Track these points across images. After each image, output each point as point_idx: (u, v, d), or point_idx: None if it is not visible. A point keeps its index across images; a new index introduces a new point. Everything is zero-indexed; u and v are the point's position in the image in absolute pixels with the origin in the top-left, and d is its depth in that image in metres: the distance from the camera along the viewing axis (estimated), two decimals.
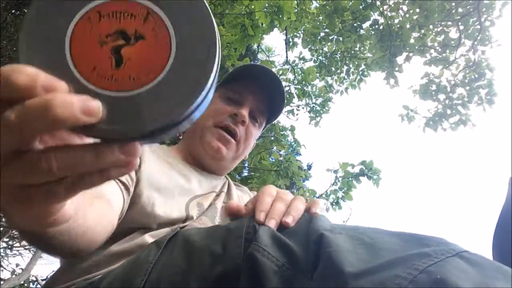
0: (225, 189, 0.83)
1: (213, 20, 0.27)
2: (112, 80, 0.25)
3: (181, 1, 0.27)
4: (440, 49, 4.87)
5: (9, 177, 0.24)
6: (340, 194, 4.31)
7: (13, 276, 3.80)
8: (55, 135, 0.25)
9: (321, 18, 4.54)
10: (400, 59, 4.36)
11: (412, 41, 4.43)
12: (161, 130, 0.25)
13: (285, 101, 0.85)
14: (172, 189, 0.69)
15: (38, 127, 0.22)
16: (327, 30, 4.48)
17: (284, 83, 5.02)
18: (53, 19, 0.26)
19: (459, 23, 4.57)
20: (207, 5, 0.27)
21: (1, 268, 4.03)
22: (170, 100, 0.25)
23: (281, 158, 3.92)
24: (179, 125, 0.26)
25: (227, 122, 0.79)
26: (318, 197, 4.36)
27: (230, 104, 0.81)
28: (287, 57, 5.19)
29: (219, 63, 0.27)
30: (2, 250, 4.10)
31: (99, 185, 0.26)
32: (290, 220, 0.46)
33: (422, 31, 4.49)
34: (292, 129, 4.42)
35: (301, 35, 4.91)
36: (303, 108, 5.21)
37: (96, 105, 0.23)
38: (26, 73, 0.22)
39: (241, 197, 0.88)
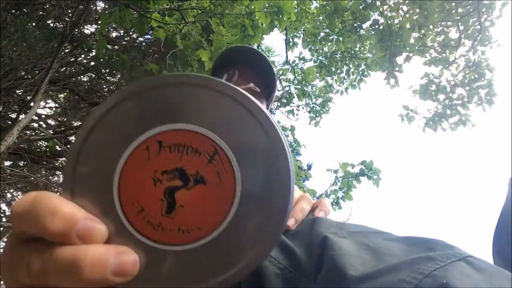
0: None
1: (292, 172, 0.22)
2: (158, 228, 0.21)
3: (259, 141, 0.22)
4: (440, 49, 4.86)
5: None
6: (340, 194, 4.30)
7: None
8: None
9: (321, 18, 4.54)
10: (400, 59, 4.35)
11: (412, 41, 4.43)
12: None
13: (274, 70, 0.80)
14: None
15: (61, 283, 0.19)
16: (327, 30, 4.48)
17: (284, 83, 5.02)
18: (108, 144, 0.22)
19: (459, 23, 4.57)
20: (288, 151, 0.22)
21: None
22: (217, 267, 0.21)
23: None
24: (238, 281, 0.22)
25: None
26: (318, 197, 4.35)
27: None
28: (287, 57, 5.19)
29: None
30: (2, 250, 4.09)
31: None
32: (291, 223, 0.46)
33: (422, 31, 4.48)
34: (292, 129, 4.42)
35: (301, 35, 4.90)
36: (303, 108, 5.20)
37: (132, 263, 0.20)
38: (63, 217, 0.19)
39: None
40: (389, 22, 4.14)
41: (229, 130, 0.22)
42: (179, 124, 0.22)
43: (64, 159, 4.14)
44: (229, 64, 0.78)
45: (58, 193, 0.22)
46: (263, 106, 0.22)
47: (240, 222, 0.22)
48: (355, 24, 4.11)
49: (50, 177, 4.48)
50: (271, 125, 0.22)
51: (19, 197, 4.24)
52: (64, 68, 4.40)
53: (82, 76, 4.67)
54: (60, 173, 4.40)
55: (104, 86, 4.65)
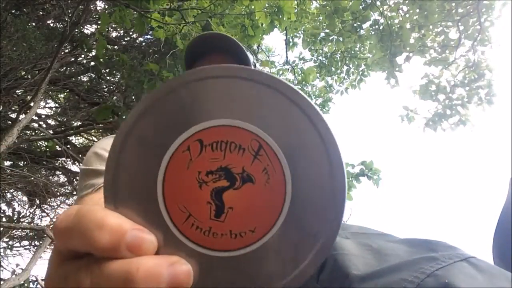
0: None
1: (344, 164, 0.21)
2: (209, 234, 0.20)
3: (306, 132, 0.21)
4: (440, 50, 4.86)
5: None
6: None
7: (13, 276, 3.79)
8: None
9: (321, 18, 4.54)
10: (400, 59, 4.35)
11: (412, 41, 4.43)
12: None
13: (248, 55, 0.78)
14: None
15: None
16: (327, 31, 4.48)
17: None
18: (148, 146, 0.21)
19: (459, 24, 4.57)
20: (336, 136, 0.21)
21: (1, 268, 4.03)
22: (280, 269, 0.20)
23: None
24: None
25: None
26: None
27: None
28: (287, 57, 5.19)
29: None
30: (2, 250, 4.09)
31: None
32: None
33: (422, 31, 4.48)
34: None
35: (301, 35, 4.90)
36: None
37: (187, 274, 0.19)
38: (111, 230, 0.18)
39: None
40: (389, 22, 4.14)
41: (273, 124, 0.21)
42: (218, 120, 0.21)
43: (65, 159, 4.14)
44: (203, 51, 0.76)
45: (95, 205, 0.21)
46: (309, 98, 0.21)
47: (295, 220, 0.20)
48: (355, 24, 4.11)
49: (50, 177, 4.48)
50: (320, 117, 0.21)
51: (19, 197, 4.24)
52: (64, 68, 4.40)
53: (82, 76, 4.67)
54: (60, 173, 4.40)
55: (104, 86, 4.65)
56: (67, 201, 4.37)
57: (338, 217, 0.21)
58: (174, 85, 0.21)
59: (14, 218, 4.15)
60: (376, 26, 4.19)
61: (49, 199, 4.25)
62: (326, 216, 0.21)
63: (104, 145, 0.71)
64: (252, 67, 0.73)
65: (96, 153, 0.68)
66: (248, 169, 0.21)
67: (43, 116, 4.55)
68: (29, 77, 3.82)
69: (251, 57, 0.78)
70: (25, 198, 4.32)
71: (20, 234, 4.43)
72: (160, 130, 0.21)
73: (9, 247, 4.34)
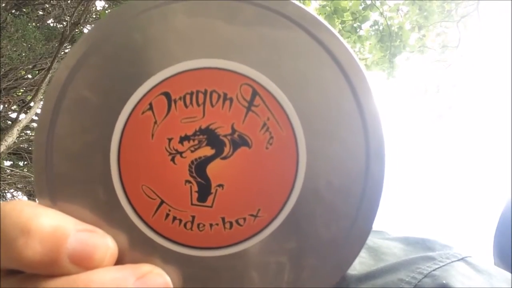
0: None
1: (383, 115, 0.14)
2: (192, 226, 0.14)
3: (324, 71, 0.14)
4: (439, 50, 4.87)
5: None
6: None
7: None
8: None
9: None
10: (400, 60, 4.35)
11: (412, 41, 4.43)
12: None
13: None
14: None
15: None
16: None
17: None
18: (90, 110, 0.14)
19: (459, 24, 4.57)
20: (372, 84, 0.14)
21: None
22: (289, 270, 0.14)
23: None
24: None
25: None
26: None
27: None
28: None
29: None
30: None
31: None
32: None
33: (422, 31, 4.49)
34: None
35: None
36: None
37: (164, 286, 0.14)
38: (42, 236, 0.13)
39: None
40: (389, 22, 4.14)
41: (271, 60, 0.14)
42: (190, 61, 0.14)
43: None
44: None
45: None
46: (333, 29, 0.14)
47: (315, 196, 0.14)
48: (355, 25, 4.11)
49: None
50: (356, 68, 0.14)
51: (19, 197, 4.24)
52: None
53: None
54: None
55: None
56: None
57: (377, 190, 0.14)
58: (119, 18, 0.14)
59: None
60: (376, 27, 4.19)
61: None
62: (359, 189, 0.14)
63: None
64: None
65: None
66: (240, 127, 0.14)
67: None
68: (29, 77, 3.82)
69: None
70: (25, 198, 4.32)
71: None
72: (105, 85, 0.14)
73: None
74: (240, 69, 0.14)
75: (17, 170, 3.50)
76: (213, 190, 0.14)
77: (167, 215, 0.14)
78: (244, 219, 0.14)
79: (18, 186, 3.93)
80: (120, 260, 0.14)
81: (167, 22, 0.14)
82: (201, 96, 0.14)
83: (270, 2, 0.14)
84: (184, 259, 0.14)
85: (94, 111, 0.14)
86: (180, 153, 0.14)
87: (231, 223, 0.14)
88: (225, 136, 0.14)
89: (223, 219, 0.14)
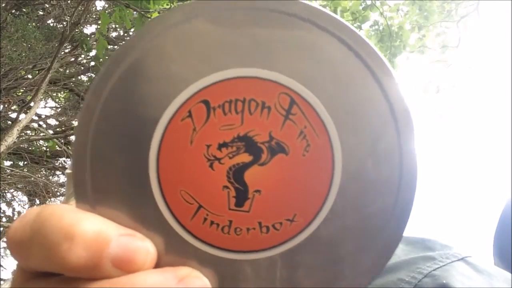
0: None
1: (417, 124, 0.15)
2: (229, 230, 0.15)
3: (360, 82, 0.15)
4: (439, 50, 4.87)
5: None
6: None
7: (13, 276, 3.78)
8: None
9: None
10: (400, 60, 4.36)
11: (412, 41, 4.44)
12: None
13: None
14: None
15: None
16: None
17: None
18: (130, 116, 0.15)
19: (459, 24, 4.57)
20: (406, 95, 0.15)
21: (1, 268, 4.02)
22: (323, 274, 0.15)
23: None
24: None
25: None
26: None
27: None
28: None
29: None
30: (2, 250, 4.09)
31: None
32: None
33: (422, 31, 4.49)
34: None
35: None
36: None
37: (203, 286, 0.14)
38: (86, 241, 0.13)
39: None
40: (389, 22, 4.14)
41: (309, 71, 0.14)
42: (229, 70, 0.15)
43: (65, 159, 4.14)
44: None
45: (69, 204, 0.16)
46: (371, 43, 0.15)
47: (350, 201, 0.15)
48: (355, 25, 4.11)
49: (50, 177, 4.48)
50: (389, 75, 0.14)
51: (19, 197, 4.24)
52: (64, 68, 4.40)
53: (82, 76, 4.67)
54: (61, 173, 4.40)
55: None
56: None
57: (409, 198, 0.14)
58: (157, 27, 0.15)
59: (14, 218, 4.15)
60: (376, 27, 4.19)
61: (49, 199, 4.25)
62: (392, 199, 0.15)
63: None
64: None
65: None
66: (277, 135, 0.15)
67: (43, 116, 4.55)
68: (29, 77, 3.82)
69: None
70: (25, 198, 4.32)
71: None
72: (145, 93, 0.15)
73: None
74: (279, 79, 0.14)
75: (17, 170, 3.50)
76: (250, 196, 0.15)
77: (205, 219, 0.15)
78: (281, 223, 0.15)
79: (18, 186, 3.93)
80: (158, 264, 0.14)
81: (205, 33, 0.15)
82: (239, 104, 0.15)
83: (305, 12, 0.14)
84: (221, 262, 0.15)
85: (134, 118, 0.15)
86: (219, 159, 0.15)
87: (267, 228, 0.15)
88: (262, 143, 0.15)
89: (259, 223, 0.15)
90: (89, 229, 0.13)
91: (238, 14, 0.15)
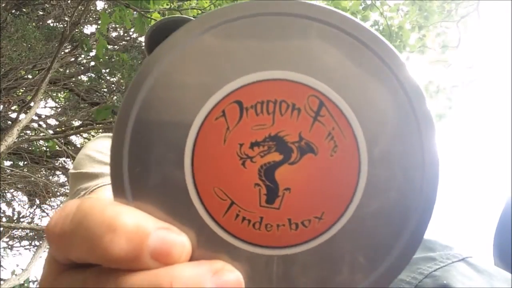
0: None
1: (437, 129, 0.16)
2: (260, 226, 0.16)
3: (386, 87, 0.16)
4: (439, 50, 4.87)
5: None
6: None
7: (13, 276, 3.79)
8: None
9: None
10: None
11: (412, 41, 4.44)
12: None
13: None
14: None
15: None
16: None
17: None
18: (167, 116, 0.16)
19: (459, 24, 4.57)
20: (427, 100, 0.16)
21: (1, 268, 4.02)
22: (351, 269, 0.15)
23: None
24: None
25: None
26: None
27: None
28: None
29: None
30: (2, 250, 4.09)
31: None
32: None
33: (422, 31, 4.49)
34: None
35: None
36: None
37: (237, 282, 0.15)
38: (127, 233, 0.13)
39: None
40: (389, 22, 4.14)
41: (338, 75, 0.15)
42: (262, 72, 0.15)
43: (65, 159, 4.14)
44: (167, 33, 0.74)
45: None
46: (398, 53, 0.16)
47: (376, 201, 0.15)
48: None
49: (50, 177, 4.48)
50: (411, 80, 0.15)
51: (19, 197, 4.24)
52: (64, 68, 4.40)
53: (82, 76, 4.67)
54: (61, 173, 4.40)
55: (104, 86, 4.64)
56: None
57: (431, 197, 0.15)
58: (195, 29, 0.16)
59: (14, 218, 4.15)
60: (376, 27, 4.19)
61: (49, 199, 4.25)
62: (416, 196, 0.15)
63: (96, 146, 0.66)
64: None
65: (88, 155, 0.63)
66: (307, 136, 0.15)
67: (43, 116, 4.55)
68: (29, 77, 3.82)
69: None
70: (25, 198, 4.32)
71: (20, 234, 4.43)
72: (182, 92, 0.16)
73: (9, 247, 4.34)
74: (309, 82, 0.15)
75: (17, 170, 3.50)
76: (280, 193, 0.16)
77: (237, 215, 0.16)
78: (309, 220, 0.16)
79: (18, 186, 3.93)
80: (191, 258, 0.15)
81: (239, 36, 0.16)
82: (271, 105, 0.16)
83: (336, 20, 0.16)
84: (252, 257, 0.15)
85: (170, 117, 0.16)
86: (251, 158, 0.16)
87: (297, 224, 0.16)
88: (292, 143, 0.16)
89: (289, 220, 0.16)
90: (129, 221, 0.14)
91: (274, 21, 0.16)
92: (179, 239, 0.15)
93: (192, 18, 0.75)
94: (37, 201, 4.26)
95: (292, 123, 0.16)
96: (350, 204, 0.15)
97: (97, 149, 0.65)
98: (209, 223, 0.16)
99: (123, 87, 3.89)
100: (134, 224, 0.14)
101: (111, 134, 0.72)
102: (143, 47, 4.44)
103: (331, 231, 0.16)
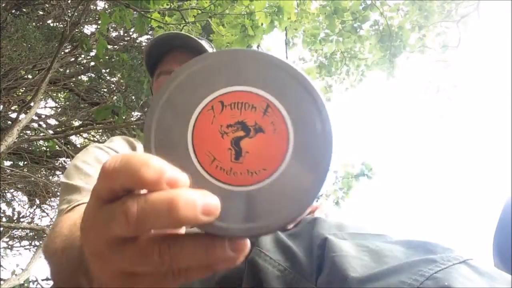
0: None
1: (332, 119, 0.27)
2: (230, 173, 0.25)
3: (302, 96, 0.27)
4: (439, 50, 4.87)
5: (118, 262, 0.24)
6: (340, 194, 4.31)
7: (13, 276, 3.79)
8: None
9: (321, 18, 4.54)
10: (400, 60, 4.35)
11: (412, 41, 4.43)
12: (275, 229, 0.26)
13: (207, 43, 0.85)
14: None
15: (157, 224, 0.22)
16: (327, 31, 4.48)
17: None
18: (180, 107, 0.27)
19: (459, 24, 4.57)
20: (325, 102, 0.27)
21: (1, 268, 4.03)
22: (284, 200, 0.25)
23: None
24: (292, 222, 0.27)
25: None
26: (318, 197, 4.36)
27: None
28: (286, 57, 5.19)
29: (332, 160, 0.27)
30: (2, 250, 4.09)
31: (203, 277, 0.26)
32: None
33: (422, 31, 4.49)
34: None
35: (301, 36, 4.90)
36: None
37: (216, 204, 0.23)
38: (154, 168, 0.22)
39: None
40: (389, 22, 4.14)
41: (278, 91, 0.27)
42: (236, 86, 0.27)
43: (65, 159, 4.13)
44: (164, 51, 0.82)
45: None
46: (305, 74, 0.27)
47: (298, 161, 0.25)
48: (355, 25, 4.11)
49: (50, 177, 4.48)
50: (312, 87, 0.27)
51: (19, 197, 4.24)
52: (64, 68, 4.40)
53: (82, 76, 4.67)
54: (61, 173, 4.40)
55: (104, 86, 4.65)
56: None
57: (327, 160, 0.26)
58: (191, 66, 0.28)
59: (14, 218, 4.15)
60: (376, 27, 4.19)
61: (49, 199, 4.25)
62: (319, 160, 0.26)
63: (85, 157, 0.71)
64: None
65: (76, 166, 0.68)
66: (259, 122, 0.26)
67: (43, 116, 4.55)
68: (29, 77, 3.82)
69: (210, 49, 0.83)
70: (25, 198, 4.32)
71: (20, 234, 4.43)
72: (188, 95, 0.27)
73: (9, 247, 4.34)
74: (261, 93, 0.27)
75: (17, 170, 3.51)
76: (243, 154, 0.26)
77: (217, 166, 0.26)
78: (259, 170, 0.25)
79: (18, 186, 3.93)
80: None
81: (221, 66, 0.27)
82: (240, 104, 0.26)
83: (276, 60, 0.27)
84: (225, 192, 0.25)
85: (182, 108, 0.27)
86: (226, 133, 0.26)
87: (252, 173, 0.25)
88: (251, 126, 0.26)
89: (248, 170, 0.25)
90: (156, 162, 0.22)
91: (242, 56, 0.27)
92: (183, 175, 0.23)
93: (185, 34, 0.81)
94: (37, 201, 4.26)
95: (251, 115, 0.26)
96: (283, 161, 0.25)
97: (86, 160, 0.70)
98: (200, 170, 0.26)
99: (123, 87, 3.89)
100: (158, 164, 0.22)
101: (101, 145, 0.75)
102: (143, 47, 4.44)
103: (272, 177, 0.25)
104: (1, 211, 4.15)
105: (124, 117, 3.32)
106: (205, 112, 0.26)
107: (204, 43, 0.84)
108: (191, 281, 0.25)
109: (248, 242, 0.25)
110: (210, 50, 0.83)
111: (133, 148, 0.80)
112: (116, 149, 0.75)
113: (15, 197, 4.27)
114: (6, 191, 4.02)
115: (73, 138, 4.61)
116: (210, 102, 0.26)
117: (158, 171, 0.22)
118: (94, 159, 0.71)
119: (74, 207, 0.60)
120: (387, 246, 0.37)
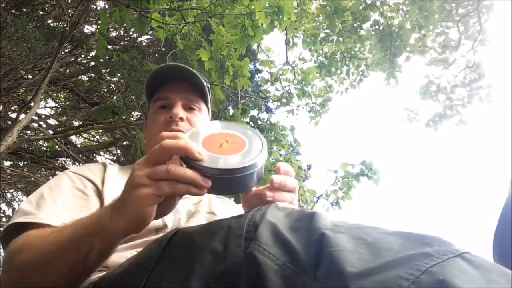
0: (203, 196, 0.86)
1: (264, 142, 0.60)
2: (218, 151, 0.55)
3: (257, 138, 0.60)
4: (440, 50, 4.87)
5: (163, 189, 0.49)
6: (340, 194, 4.31)
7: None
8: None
9: (321, 18, 4.54)
10: (400, 60, 4.36)
11: (412, 41, 4.44)
12: (231, 172, 0.53)
13: (201, 78, 0.92)
14: None
15: (172, 152, 0.51)
16: (327, 31, 4.48)
17: (284, 83, 5.03)
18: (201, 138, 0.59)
19: (459, 24, 4.57)
20: (261, 135, 0.61)
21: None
22: (237, 162, 0.54)
23: (281, 158, 3.92)
24: (238, 173, 0.53)
25: (169, 127, 0.84)
26: (318, 198, 4.37)
27: (163, 112, 0.87)
28: (287, 57, 5.19)
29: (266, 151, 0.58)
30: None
31: (185, 194, 0.52)
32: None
33: (422, 31, 4.49)
34: (292, 129, 4.42)
35: (301, 35, 4.91)
36: (303, 108, 5.21)
37: (200, 152, 0.52)
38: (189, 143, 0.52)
39: (221, 202, 0.92)
40: (389, 22, 4.14)
41: (243, 132, 0.61)
42: (222, 130, 0.61)
43: (65, 159, 4.13)
44: (163, 80, 0.90)
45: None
46: (255, 129, 0.60)
47: (246, 153, 0.56)
48: (355, 25, 4.11)
49: (50, 177, 4.49)
50: (257, 133, 0.62)
51: (19, 197, 4.24)
52: (64, 68, 4.40)
53: (82, 76, 4.68)
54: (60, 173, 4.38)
55: (104, 86, 4.65)
56: None
57: (256, 153, 0.56)
58: (197, 135, 0.63)
59: None
60: (376, 27, 4.20)
61: None
62: (252, 153, 0.56)
63: (52, 184, 0.75)
64: (206, 88, 0.93)
65: (42, 195, 0.71)
66: (232, 140, 0.59)
67: (43, 116, 4.56)
68: (29, 77, 3.82)
69: (204, 82, 0.91)
70: (25, 198, 4.32)
71: None
72: (201, 132, 0.62)
73: None
74: (235, 133, 0.61)
75: (17, 170, 3.51)
76: (223, 147, 0.57)
77: (212, 149, 0.56)
78: (230, 152, 0.56)
79: (18, 186, 3.93)
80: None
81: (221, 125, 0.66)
82: (223, 136, 0.60)
83: (243, 127, 0.64)
84: (213, 156, 0.54)
85: (198, 136, 0.60)
86: (219, 142, 0.58)
87: (227, 152, 0.56)
88: (228, 141, 0.60)
89: (224, 152, 0.56)
90: (182, 142, 0.53)
91: (233, 127, 0.64)
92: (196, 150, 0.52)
93: (183, 65, 0.89)
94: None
95: (229, 137, 0.60)
96: (238, 153, 0.56)
97: (52, 185, 0.75)
98: (206, 149, 0.55)
99: (123, 87, 3.89)
100: (184, 141, 0.53)
101: (70, 174, 0.81)
102: (143, 47, 4.45)
103: (233, 155, 0.55)
104: (1, 211, 4.16)
105: (124, 117, 3.33)
106: (208, 138, 0.58)
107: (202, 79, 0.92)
108: (178, 193, 0.51)
109: (208, 181, 0.51)
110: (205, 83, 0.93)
111: (105, 169, 0.85)
112: (88, 177, 0.79)
113: (15, 197, 4.28)
114: (6, 191, 4.02)
115: (73, 138, 4.61)
116: (210, 135, 0.59)
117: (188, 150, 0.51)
118: (61, 185, 0.75)
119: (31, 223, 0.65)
120: (384, 238, 0.37)
